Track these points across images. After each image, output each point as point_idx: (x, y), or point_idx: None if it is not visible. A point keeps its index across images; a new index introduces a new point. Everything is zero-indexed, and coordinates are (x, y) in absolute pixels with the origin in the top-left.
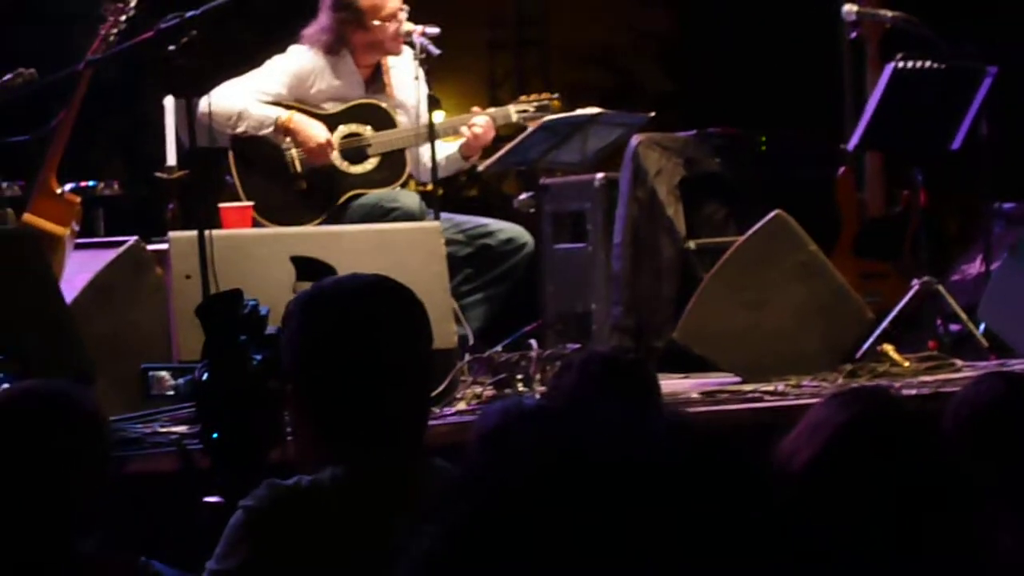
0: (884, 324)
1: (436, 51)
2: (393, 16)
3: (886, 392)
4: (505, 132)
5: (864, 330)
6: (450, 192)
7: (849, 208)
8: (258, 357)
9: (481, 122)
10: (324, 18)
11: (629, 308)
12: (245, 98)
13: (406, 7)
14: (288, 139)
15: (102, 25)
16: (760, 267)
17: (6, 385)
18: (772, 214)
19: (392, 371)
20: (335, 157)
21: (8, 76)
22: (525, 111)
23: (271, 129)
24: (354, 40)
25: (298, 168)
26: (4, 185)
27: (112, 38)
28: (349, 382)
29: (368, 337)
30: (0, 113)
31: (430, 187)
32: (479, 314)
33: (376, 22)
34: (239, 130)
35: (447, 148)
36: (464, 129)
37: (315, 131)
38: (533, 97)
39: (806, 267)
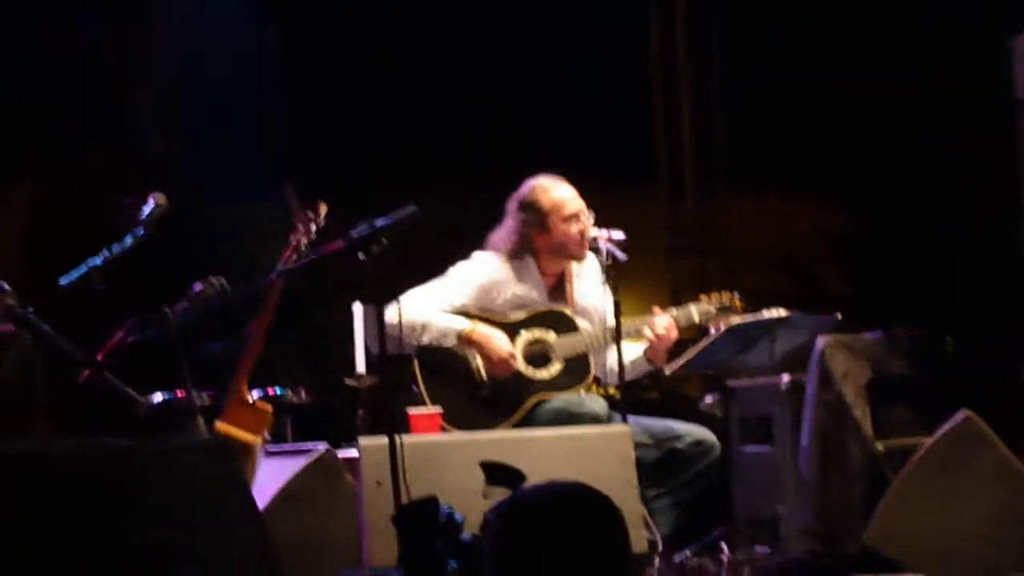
0: None
1: (623, 256)
2: (575, 217)
3: None
4: (687, 335)
5: None
6: (632, 394)
7: None
8: (454, 564)
9: (663, 323)
10: (510, 221)
11: (818, 511)
12: (430, 309)
13: (590, 212)
14: (471, 349)
15: (293, 234)
16: (951, 470)
17: None
18: (961, 416)
19: None
20: (520, 363)
21: (200, 286)
22: (707, 311)
23: (454, 341)
24: (537, 243)
25: (483, 376)
26: (195, 394)
27: (303, 247)
28: None
29: (570, 546)
30: (192, 323)
31: (613, 391)
32: (668, 518)
33: (558, 222)
34: (423, 341)
35: (632, 352)
36: (647, 331)
37: (498, 344)
38: (715, 297)
39: (997, 470)
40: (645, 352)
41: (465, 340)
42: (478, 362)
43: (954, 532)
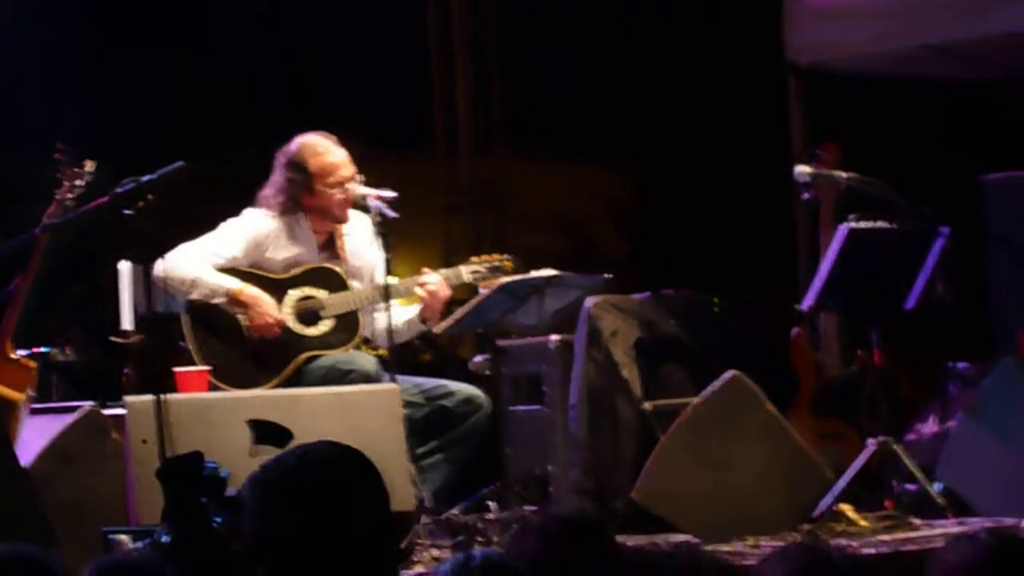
0: (841, 483)
1: (392, 214)
2: (341, 184)
3: (821, 548)
4: (459, 295)
5: (823, 490)
6: (405, 355)
7: (805, 368)
8: (219, 520)
9: (434, 280)
10: (277, 177)
11: (587, 469)
12: (199, 264)
13: (360, 175)
14: (239, 308)
15: (58, 190)
16: (718, 428)
17: None
18: (728, 375)
19: (356, 540)
20: (289, 320)
21: None
22: (477, 271)
23: (224, 299)
24: (304, 203)
25: (252, 333)
26: None
27: (68, 203)
28: (313, 555)
29: (329, 509)
30: None
31: (383, 352)
32: (437, 476)
33: (323, 187)
34: (192, 296)
35: (406, 312)
36: (418, 289)
37: (264, 307)
38: (485, 258)
39: (764, 427)
40: (419, 312)
41: (233, 300)
42: (246, 320)
43: (720, 489)
